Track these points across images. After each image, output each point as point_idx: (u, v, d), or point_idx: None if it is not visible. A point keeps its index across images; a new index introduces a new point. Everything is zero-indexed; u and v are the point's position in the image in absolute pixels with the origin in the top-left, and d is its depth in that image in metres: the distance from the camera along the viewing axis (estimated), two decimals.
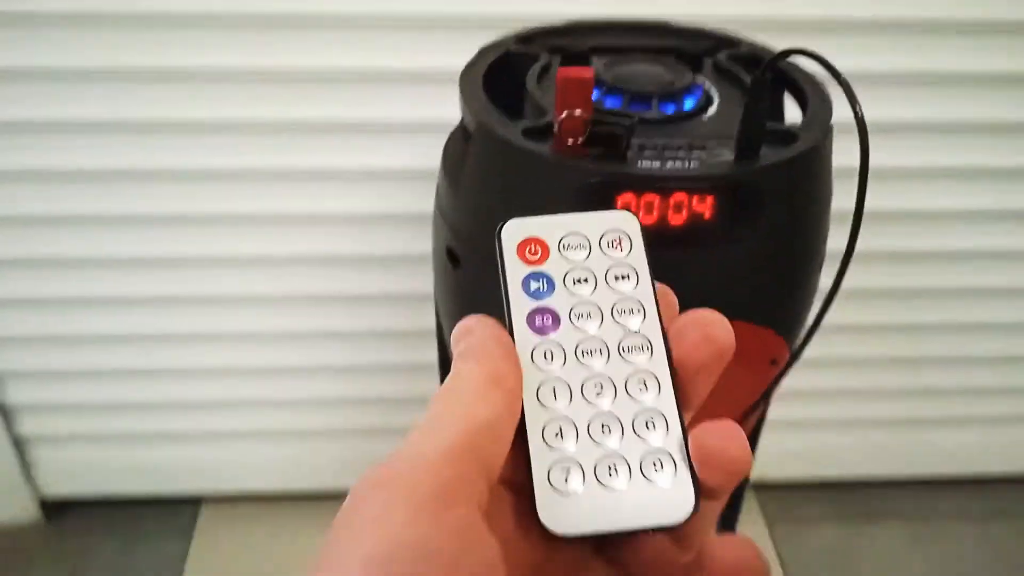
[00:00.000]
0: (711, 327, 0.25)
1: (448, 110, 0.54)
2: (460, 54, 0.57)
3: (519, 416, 0.24)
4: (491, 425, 0.23)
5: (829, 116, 0.51)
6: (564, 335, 0.25)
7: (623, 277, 0.25)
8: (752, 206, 0.47)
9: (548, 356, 0.24)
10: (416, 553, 0.20)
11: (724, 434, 0.23)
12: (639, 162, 0.46)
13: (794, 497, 1.12)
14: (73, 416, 0.98)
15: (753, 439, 0.72)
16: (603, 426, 0.23)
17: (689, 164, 0.46)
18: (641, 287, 0.25)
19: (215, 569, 1.02)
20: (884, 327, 0.97)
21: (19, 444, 0.99)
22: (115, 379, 0.95)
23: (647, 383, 0.24)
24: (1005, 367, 1.01)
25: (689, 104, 0.52)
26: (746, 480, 0.95)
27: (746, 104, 0.46)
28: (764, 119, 0.46)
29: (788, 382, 0.99)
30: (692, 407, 0.25)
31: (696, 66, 0.58)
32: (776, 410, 1.03)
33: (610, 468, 0.23)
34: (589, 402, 0.24)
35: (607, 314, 0.25)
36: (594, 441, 0.23)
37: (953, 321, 0.96)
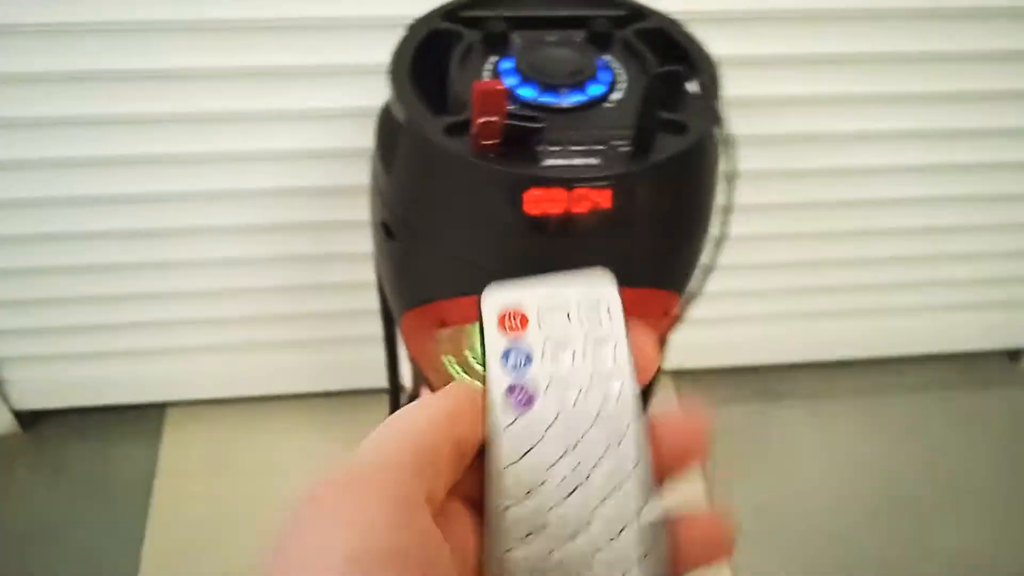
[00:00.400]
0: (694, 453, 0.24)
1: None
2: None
3: (478, 441, 0.24)
4: (454, 440, 0.23)
5: (718, 106, 0.57)
6: (540, 410, 0.23)
7: (601, 343, 0.24)
8: (646, 196, 0.54)
9: (523, 430, 0.23)
10: (395, 555, 0.20)
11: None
12: (547, 160, 0.53)
13: (705, 382, 1.26)
14: (39, 337, 1.04)
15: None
16: (566, 519, 0.22)
17: (590, 161, 0.53)
18: (619, 355, 0.24)
19: (182, 466, 1.12)
20: (780, 236, 1.07)
21: None
22: (79, 303, 1.01)
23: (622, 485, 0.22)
24: (890, 265, 1.13)
25: (595, 91, 0.58)
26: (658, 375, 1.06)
27: (639, 105, 0.52)
28: (656, 119, 0.53)
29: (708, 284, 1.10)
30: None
31: (606, 43, 0.63)
32: (695, 309, 1.15)
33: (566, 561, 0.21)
34: (559, 491, 0.22)
35: (584, 387, 0.24)
36: (557, 536, 0.21)
37: (841, 229, 1.07)
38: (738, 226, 1.03)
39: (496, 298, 0.26)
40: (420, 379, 0.78)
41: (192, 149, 0.87)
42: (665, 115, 0.55)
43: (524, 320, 0.25)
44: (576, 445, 0.22)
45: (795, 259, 1.10)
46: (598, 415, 0.23)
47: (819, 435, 1.21)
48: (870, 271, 1.14)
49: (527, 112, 0.53)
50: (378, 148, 0.60)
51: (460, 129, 0.54)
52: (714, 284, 1.11)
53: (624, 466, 0.22)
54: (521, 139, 0.53)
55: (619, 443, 0.22)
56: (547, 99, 0.58)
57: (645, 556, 0.21)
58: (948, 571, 1.07)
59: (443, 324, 0.63)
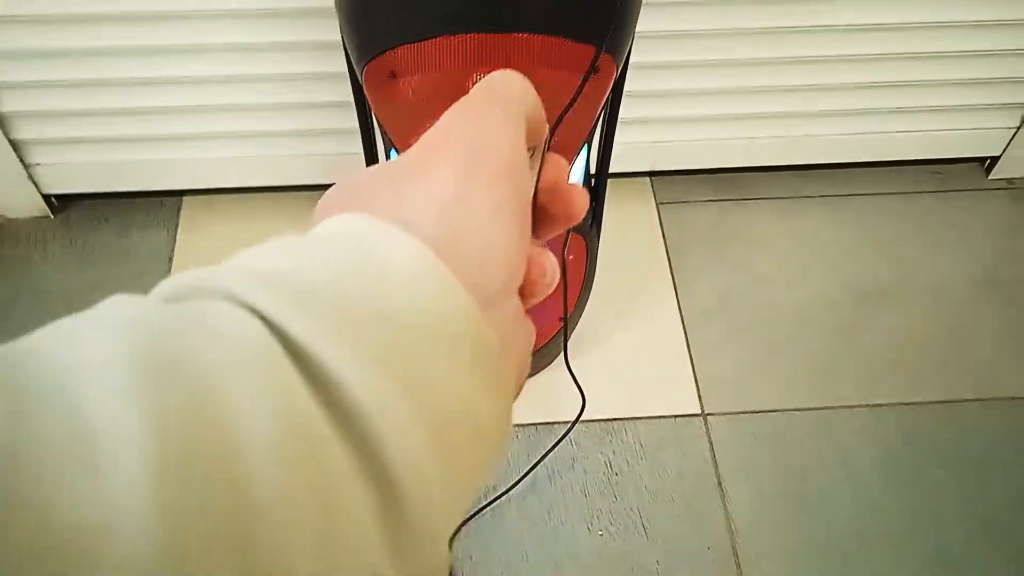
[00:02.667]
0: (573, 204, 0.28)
1: None
2: None
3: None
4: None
5: None
6: None
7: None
8: None
9: None
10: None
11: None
12: None
13: (681, 184, 1.34)
14: (65, 121, 1.14)
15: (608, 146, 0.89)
16: None
17: None
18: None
19: (197, 249, 1.25)
20: (752, 32, 1.11)
21: (17, 148, 1.16)
22: (100, 89, 1.10)
23: None
24: (859, 65, 1.17)
25: None
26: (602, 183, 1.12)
27: None
28: None
29: (678, 83, 1.16)
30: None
31: None
32: (668, 109, 1.21)
33: None
34: None
35: None
36: None
37: (812, 25, 1.11)
38: (709, 21, 1.09)
39: None
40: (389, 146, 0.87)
41: None
42: None
43: None
44: None
45: (767, 56, 1.14)
46: None
47: (784, 233, 1.30)
48: (844, 71, 1.18)
49: None
50: None
51: None
52: (687, 82, 1.18)
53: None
54: None
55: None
56: None
57: None
58: (902, 354, 1.17)
59: (393, 75, 0.71)
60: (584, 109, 0.77)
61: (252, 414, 0.16)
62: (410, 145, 0.24)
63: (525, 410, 1.10)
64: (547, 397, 1.11)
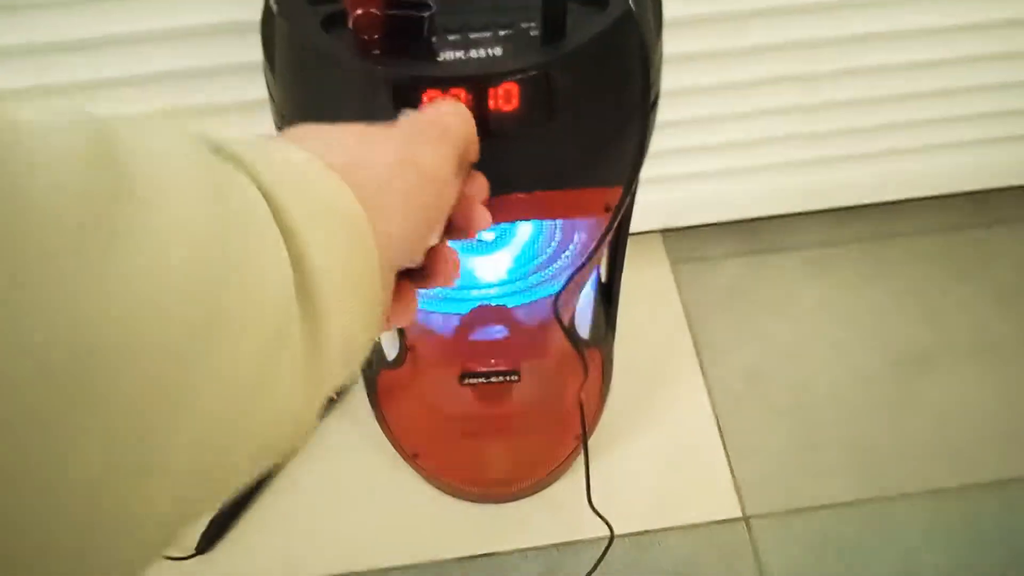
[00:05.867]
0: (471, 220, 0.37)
1: None
2: None
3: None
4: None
5: None
6: None
7: None
8: (561, 88, 0.46)
9: None
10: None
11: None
12: (443, 53, 0.45)
13: (696, 236, 1.20)
14: None
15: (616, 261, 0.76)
16: None
17: (492, 53, 0.45)
18: None
19: None
20: (766, 81, 0.97)
21: None
22: None
23: None
24: (892, 104, 1.03)
25: None
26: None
27: None
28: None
29: (686, 139, 1.01)
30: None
31: None
32: (682, 166, 1.07)
33: None
34: None
35: None
36: None
37: (840, 68, 0.96)
38: (722, 73, 0.95)
39: None
40: None
41: None
42: None
43: None
44: None
45: (782, 105, 1.00)
46: None
47: (816, 286, 1.16)
48: (876, 112, 1.04)
49: None
50: (263, 43, 0.52)
51: (340, 21, 0.46)
52: (702, 137, 1.03)
53: None
54: (409, 29, 0.45)
55: None
56: None
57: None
58: (955, 430, 1.05)
59: None
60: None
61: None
62: None
63: (542, 528, 0.97)
64: (566, 512, 0.98)
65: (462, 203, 0.35)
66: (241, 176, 0.22)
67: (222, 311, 0.19)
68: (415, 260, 0.33)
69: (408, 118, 0.33)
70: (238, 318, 0.20)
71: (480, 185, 0.37)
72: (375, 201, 0.28)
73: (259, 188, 0.23)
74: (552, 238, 0.62)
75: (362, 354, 0.28)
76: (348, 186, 0.27)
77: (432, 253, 0.34)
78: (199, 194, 0.20)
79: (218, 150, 0.23)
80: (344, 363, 0.26)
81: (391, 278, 0.30)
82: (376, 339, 0.26)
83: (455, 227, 0.36)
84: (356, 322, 0.26)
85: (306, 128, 0.31)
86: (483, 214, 0.36)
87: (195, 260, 0.19)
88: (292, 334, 0.22)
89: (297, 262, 0.22)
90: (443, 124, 0.33)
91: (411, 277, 0.34)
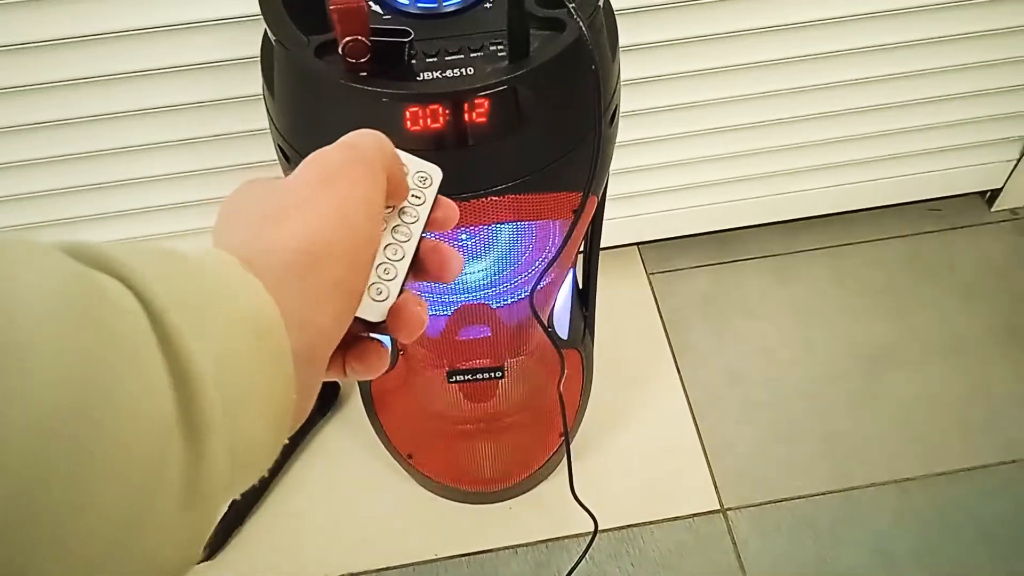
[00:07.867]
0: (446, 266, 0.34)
1: None
2: None
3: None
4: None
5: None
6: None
7: (418, 200, 0.35)
8: (526, 101, 0.53)
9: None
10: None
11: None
12: (423, 73, 0.52)
13: (670, 249, 1.26)
14: None
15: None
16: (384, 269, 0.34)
17: (465, 72, 0.52)
18: (423, 208, 0.35)
19: None
20: (731, 99, 1.04)
21: None
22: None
23: (400, 252, 0.34)
24: (849, 118, 1.10)
25: None
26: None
27: (508, 7, 0.50)
28: (525, 21, 0.51)
29: (657, 155, 1.08)
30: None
31: None
32: (650, 182, 1.14)
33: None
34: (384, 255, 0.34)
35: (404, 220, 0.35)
36: (378, 275, 0.33)
37: (795, 87, 1.04)
38: (690, 93, 1.02)
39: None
40: None
41: None
42: (541, 12, 0.53)
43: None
44: (393, 239, 0.34)
45: (750, 121, 1.07)
46: (405, 230, 0.34)
47: (784, 292, 1.22)
48: (832, 125, 1.11)
49: (394, 26, 0.51)
50: (263, 71, 0.59)
51: (332, 48, 0.52)
52: (669, 153, 1.10)
53: (403, 253, 0.33)
54: (392, 53, 0.51)
55: (405, 243, 0.33)
56: (426, 4, 0.55)
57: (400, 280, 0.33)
58: (922, 421, 1.10)
59: None
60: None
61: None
62: None
63: (531, 525, 1.02)
64: (553, 509, 1.03)
65: (434, 247, 0.33)
66: (115, 287, 0.20)
67: (86, 454, 0.17)
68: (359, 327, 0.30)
69: (319, 163, 0.30)
70: (106, 461, 0.18)
71: (449, 208, 0.35)
72: (290, 287, 0.26)
73: (138, 296, 0.21)
74: (528, 245, 0.68)
75: (269, 457, 0.25)
76: (255, 275, 0.25)
77: (395, 309, 0.31)
78: (59, 320, 0.18)
79: (96, 261, 0.21)
80: (243, 473, 0.24)
81: (320, 362, 0.27)
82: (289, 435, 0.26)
83: (428, 272, 0.34)
84: (256, 427, 0.24)
85: (225, 204, 0.29)
86: (456, 258, 0.34)
87: (52, 399, 0.17)
88: (170, 465, 0.20)
89: (180, 375, 0.20)
90: (363, 155, 0.30)
91: (375, 329, 0.32)
